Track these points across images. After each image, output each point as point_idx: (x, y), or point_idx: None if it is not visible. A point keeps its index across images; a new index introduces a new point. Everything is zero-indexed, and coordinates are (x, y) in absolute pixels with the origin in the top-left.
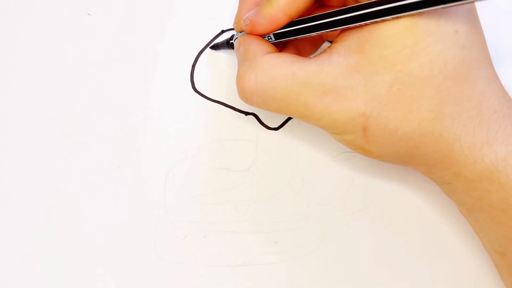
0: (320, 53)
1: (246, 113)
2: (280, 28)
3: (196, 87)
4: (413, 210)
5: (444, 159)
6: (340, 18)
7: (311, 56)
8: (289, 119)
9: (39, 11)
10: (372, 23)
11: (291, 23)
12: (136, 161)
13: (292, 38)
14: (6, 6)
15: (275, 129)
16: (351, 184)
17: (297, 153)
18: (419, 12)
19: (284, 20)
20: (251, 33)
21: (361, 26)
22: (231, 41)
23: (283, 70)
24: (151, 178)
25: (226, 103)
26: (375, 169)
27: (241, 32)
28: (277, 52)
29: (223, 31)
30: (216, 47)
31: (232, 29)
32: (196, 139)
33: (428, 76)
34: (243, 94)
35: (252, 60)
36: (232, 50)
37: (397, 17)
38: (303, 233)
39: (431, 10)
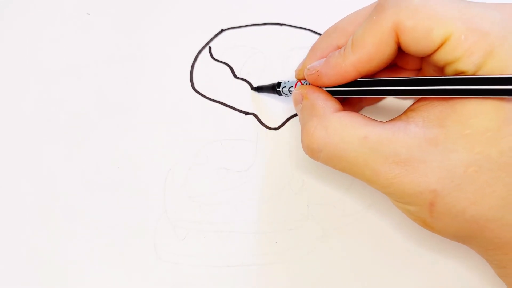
0: (395, 120)
1: (246, 113)
2: (346, 82)
3: (196, 87)
4: None
5: (505, 245)
6: (423, 88)
7: (383, 121)
8: (289, 119)
9: (39, 11)
10: (457, 97)
11: (356, 82)
12: (136, 161)
13: (355, 96)
14: (6, 6)
15: (275, 129)
16: (351, 184)
17: (297, 153)
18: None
19: (353, 75)
20: (314, 84)
21: (444, 98)
22: (278, 89)
23: (355, 132)
24: (151, 178)
25: (226, 103)
26: None
27: (291, 81)
28: (343, 109)
29: (222, 30)
30: (260, 89)
31: (233, 28)
32: (196, 139)
33: (506, 163)
34: (310, 150)
35: (322, 117)
36: (274, 94)
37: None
38: (303, 233)
39: None
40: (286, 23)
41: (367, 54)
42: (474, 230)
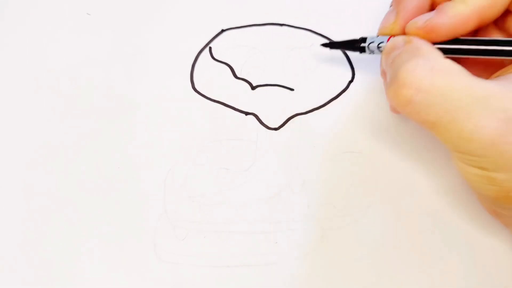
0: (501, 75)
1: (246, 113)
2: (465, 34)
3: (196, 87)
4: (413, 210)
5: None
6: None
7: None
8: (289, 119)
9: (39, 11)
10: None
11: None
12: (135, 161)
13: (466, 56)
14: (5, 6)
15: (275, 129)
16: (351, 184)
17: (297, 153)
18: None
19: (475, 24)
20: (425, 38)
21: None
22: (363, 44)
23: (462, 79)
24: (150, 178)
25: (226, 103)
26: (375, 169)
27: (380, 37)
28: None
29: (223, 30)
30: (332, 45)
31: (233, 28)
32: (196, 139)
33: None
34: (405, 89)
35: (429, 57)
36: (349, 52)
37: None
38: (303, 233)
39: None
40: (286, 23)
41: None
42: None
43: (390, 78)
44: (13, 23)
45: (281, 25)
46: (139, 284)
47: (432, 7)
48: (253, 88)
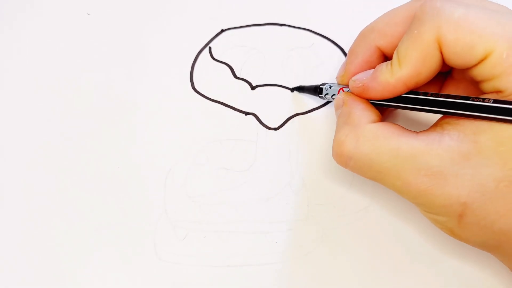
0: (429, 131)
1: (246, 113)
2: (393, 97)
3: (196, 87)
4: (413, 210)
5: None
6: (463, 113)
7: (417, 131)
8: (289, 119)
9: (39, 10)
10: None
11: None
12: (136, 161)
13: (403, 108)
14: (5, 6)
15: (275, 129)
16: (351, 184)
17: (297, 153)
18: None
19: (402, 90)
20: (359, 95)
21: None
22: (320, 94)
23: (388, 143)
24: (151, 178)
25: (226, 103)
26: None
27: (334, 87)
28: (380, 120)
29: (222, 31)
30: (301, 89)
31: (233, 28)
32: (196, 139)
33: None
34: (339, 157)
35: (355, 126)
36: (314, 96)
37: None
38: (303, 233)
39: None
40: (286, 23)
41: (414, 68)
42: (502, 241)
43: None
44: (13, 23)
45: (281, 25)
46: (139, 283)
47: (380, 60)
48: (252, 88)
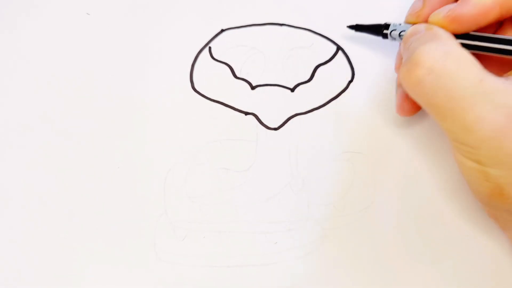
0: (507, 75)
1: (246, 113)
2: (488, 24)
3: (196, 87)
4: (413, 210)
5: None
6: None
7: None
8: (289, 119)
9: (39, 10)
10: None
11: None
12: (135, 161)
13: (483, 52)
14: (5, 6)
15: (275, 129)
16: (351, 184)
17: (297, 153)
18: None
19: (497, 15)
20: (448, 27)
21: None
22: (386, 31)
23: (474, 70)
24: (151, 178)
25: (226, 103)
26: (376, 169)
27: (403, 25)
28: None
29: (222, 30)
30: (359, 28)
31: (233, 28)
32: (196, 139)
33: None
34: (417, 66)
35: (446, 43)
36: (371, 36)
37: None
38: (303, 233)
39: None
40: (286, 23)
41: None
42: None
43: (405, 59)
44: (13, 23)
45: (281, 25)
46: (139, 283)
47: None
48: (252, 88)
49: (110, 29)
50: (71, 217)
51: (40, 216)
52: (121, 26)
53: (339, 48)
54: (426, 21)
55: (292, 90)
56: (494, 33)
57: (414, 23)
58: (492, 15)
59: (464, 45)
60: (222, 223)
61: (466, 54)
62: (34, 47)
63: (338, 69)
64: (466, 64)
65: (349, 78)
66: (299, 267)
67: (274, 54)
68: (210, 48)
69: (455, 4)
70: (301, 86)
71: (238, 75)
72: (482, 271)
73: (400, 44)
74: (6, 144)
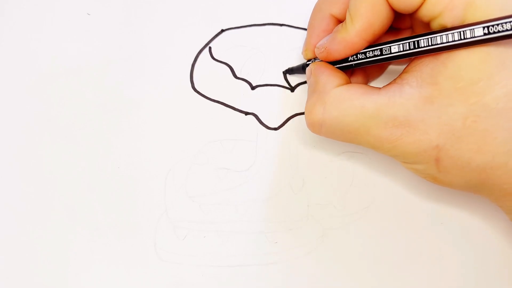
0: (390, 84)
1: (246, 113)
2: (356, 53)
3: (196, 87)
4: (413, 210)
5: None
6: (414, 51)
7: (380, 87)
8: (289, 119)
9: (39, 10)
10: (445, 52)
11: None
12: (136, 161)
13: (365, 65)
14: (5, 6)
15: (275, 129)
16: (351, 184)
17: (297, 153)
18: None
19: (361, 44)
20: (326, 60)
21: (434, 55)
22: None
23: (352, 104)
24: (151, 178)
25: (226, 103)
26: (376, 169)
27: (312, 60)
28: (347, 83)
29: (222, 30)
30: (291, 71)
31: (233, 28)
32: (196, 139)
33: (503, 108)
34: (311, 125)
35: (322, 92)
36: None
37: (471, 47)
38: (303, 233)
39: (505, 41)
40: (286, 23)
41: (366, 20)
42: (483, 179)
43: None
44: (13, 23)
45: (281, 25)
46: (140, 283)
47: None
48: (253, 88)
49: (110, 29)
50: (71, 217)
51: (40, 216)
52: (121, 26)
53: None
54: (314, 55)
55: (292, 90)
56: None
57: (308, 59)
58: (357, 46)
59: (345, 67)
60: (222, 223)
61: (342, 92)
62: (34, 46)
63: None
64: (344, 103)
65: None
66: (299, 267)
67: (274, 54)
68: (210, 48)
69: (327, 38)
70: (301, 86)
71: (238, 75)
72: (483, 271)
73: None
74: (5, 144)
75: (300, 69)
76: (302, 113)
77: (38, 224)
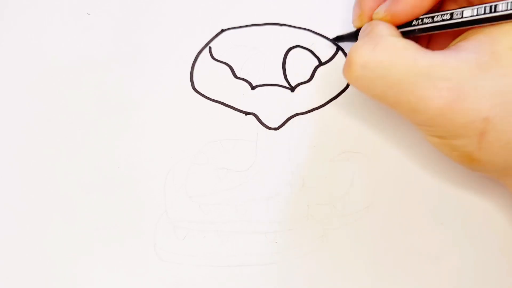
0: (446, 49)
1: (246, 113)
2: (423, 13)
3: (196, 87)
4: (413, 210)
5: None
6: (489, 15)
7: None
8: (289, 119)
9: (39, 10)
10: (506, 22)
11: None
12: (136, 161)
13: (428, 33)
14: (5, 6)
15: (275, 129)
16: (351, 184)
17: (297, 153)
18: None
19: (429, 4)
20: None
21: (494, 24)
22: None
23: (405, 54)
24: (151, 178)
25: (226, 103)
26: (375, 169)
27: None
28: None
29: (222, 30)
30: (341, 38)
31: (233, 28)
32: (196, 139)
33: None
34: (351, 65)
35: (375, 36)
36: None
37: None
38: (303, 233)
39: None
40: (286, 23)
41: None
42: None
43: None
44: (13, 23)
45: (281, 25)
46: (139, 283)
47: None
48: (253, 88)
49: (110, 29)
50: (71, 217)
51: (40, 216)
52: (121, 26)
53: (339, 48)
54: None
55: (292, 90)
56: (439, 8)
57: (360, 27)
58: (425, 5)
59: (407, 32)
60: (222, 222)
61: (397, 42)
62: (34, 46)
63: (338, 69)
64: (396, 51)
65: None
66: (299, 267)
67: (274, 54)
68: (210, 48)
69: (388, 2)
70: (301, 86)
71: (238, 75)
72: (483, 271)
73: None
74: (5, 144)
75: (352, 37)
76: (302, 113)
77: (37, 224)
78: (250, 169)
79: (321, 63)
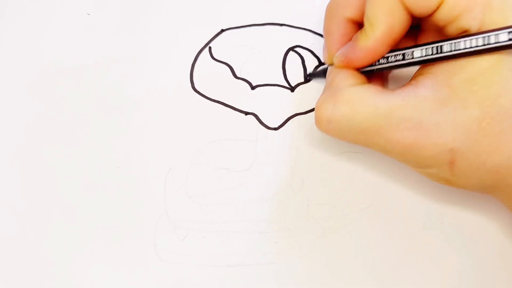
0: (404, 86)
1: (246, 113)
2: (378, 59)
3: (196, 87)
4: (413, 210)
5: None
6: (436, 56)
7: (394, 89)
8: (289, 119)
9: (39, 11)
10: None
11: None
12: (136, 161)
13: (387, 70)
14: (5, 6)
15: (275, 129)
16: (351, 184)
17: (297, 153)
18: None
19: (382, 50)
20: (347, 68)
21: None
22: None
23: (365, 102)
24: (151, 178)
25: (226, 103)
26: (375, 169)
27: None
28: (364, 83)
29: (222, 30)
30: (312, 75)
31: (233, 28)
32: (196, 139)
33: None
34: (319, 121)
35: (334, 90)
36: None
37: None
38: (303, 233)
39: None
40: (286, 23)
41: (387, 27)
42: (496, 179)
43: None
44: (13, 23)
45: (281, 25)
46: (140, 283)
47: (355, 29)
48: (252, 88)
49: (110, 29)
50: (71, 217)
51: (40, 216)
52: (121, 26)
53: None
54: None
55: (292, 90)
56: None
57: (330, 64)
58: (378, 52)
59: (367, 71)
60: (222, 222)
61: (355, 92)
62: (34, 46)
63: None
64: (356, 101)
65: None
66: (299, 267)
67: (274, 54)
68: (210, 48)
69: (347, 46)
70: (301, 86)
71: (238, 75)
72: (482, 271)
73: None
74: (5, 144)
75: (321, 74)
76: (302, 113)
77: (37, 224)
78: (250, 169)
79: (321, 63)
